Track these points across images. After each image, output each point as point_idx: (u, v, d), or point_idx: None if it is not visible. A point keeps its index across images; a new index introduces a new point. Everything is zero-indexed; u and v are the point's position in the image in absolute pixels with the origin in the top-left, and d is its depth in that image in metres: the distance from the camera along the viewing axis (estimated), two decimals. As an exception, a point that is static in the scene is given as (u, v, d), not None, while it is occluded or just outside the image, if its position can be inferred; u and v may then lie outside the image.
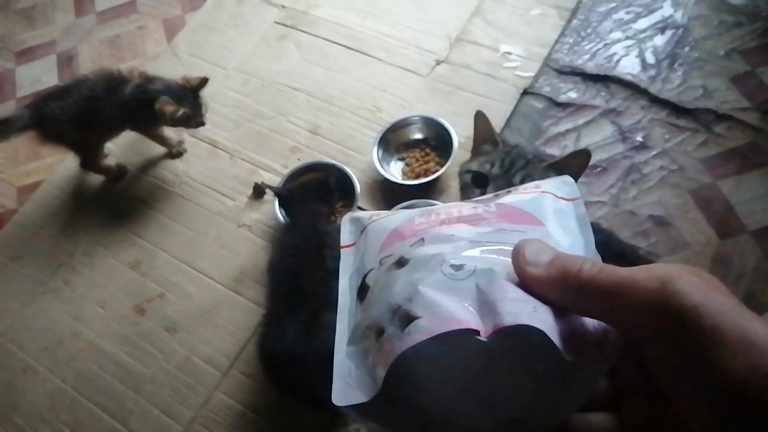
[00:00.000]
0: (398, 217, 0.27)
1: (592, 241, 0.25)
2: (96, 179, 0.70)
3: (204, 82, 0.61)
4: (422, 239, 0.24)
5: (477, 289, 0.21)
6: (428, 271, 0.22)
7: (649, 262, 0.59)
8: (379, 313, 0.23)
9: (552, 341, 0.20)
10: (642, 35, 0.77)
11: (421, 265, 0.23)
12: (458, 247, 0.23)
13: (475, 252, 0.23)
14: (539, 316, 0.20)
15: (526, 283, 0.21)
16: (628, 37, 0.77)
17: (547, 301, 0.21)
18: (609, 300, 0.19)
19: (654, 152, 0.69)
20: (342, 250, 0.29)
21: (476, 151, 0.54)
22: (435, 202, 0.65)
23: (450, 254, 0.23)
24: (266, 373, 0.50)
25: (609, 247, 0.53)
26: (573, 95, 0.72)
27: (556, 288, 0.20)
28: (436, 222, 0.25)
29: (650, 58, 0.75)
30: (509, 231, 0.24)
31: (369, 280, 0.25)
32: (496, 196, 0.27)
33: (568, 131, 0.70)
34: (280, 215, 0.60)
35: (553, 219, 0.26)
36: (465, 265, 0.22)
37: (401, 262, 0.23)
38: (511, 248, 0.22)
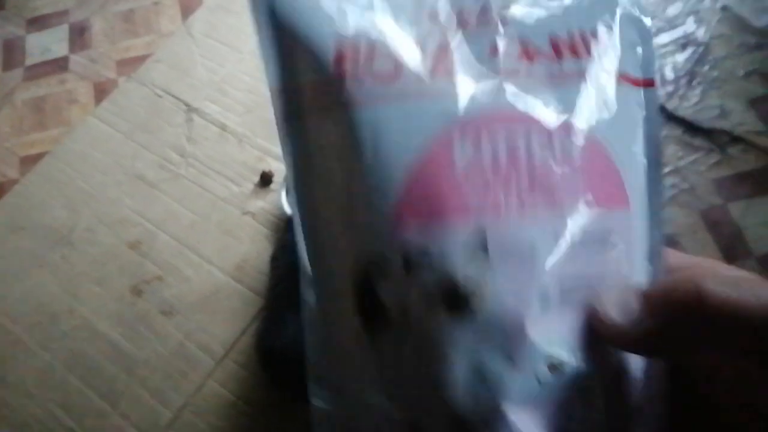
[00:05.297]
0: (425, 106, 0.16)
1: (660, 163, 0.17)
2: (101, 154, 0.69)
3: None
4: (484, 235, 0.15)
5: (578, 412, 0.15)
6: (513, 363, 0.14)
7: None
8: (413, 409, 0.15)
9: None
10: (663, 50, 0.76)
11: (492, 333, 0.14)
12: (543, 292, 0.15)
13: (570, 313, 0.15)
14: None
15: (630, 350, 0.16)
16: (648, 51, 0.76)
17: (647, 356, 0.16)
18: (755, 328, 0.14)
19: (666, 170, 0.69)
20: (289, 125, 0.18)
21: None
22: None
23: (537, 328, 0.15)
24: (263, 369, 0.49)
25: None
26: (589, 106, 0.71)
27: (669, 335, 0.15)
28: (500, 178, 0.15)
29: (669, 74, 0.75)
30: (598, 233, 0.16)
31: (382, 294, 0.15)
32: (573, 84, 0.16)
33: (581, 142, 0.69)
34: (285, 206, 0.60)
35: (635, 168, 0.17)
36: (564, 364, 0.15)
37: (457, 305, 0.14)
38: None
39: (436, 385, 0.15)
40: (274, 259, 0.55)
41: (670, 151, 0.70)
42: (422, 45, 0.16)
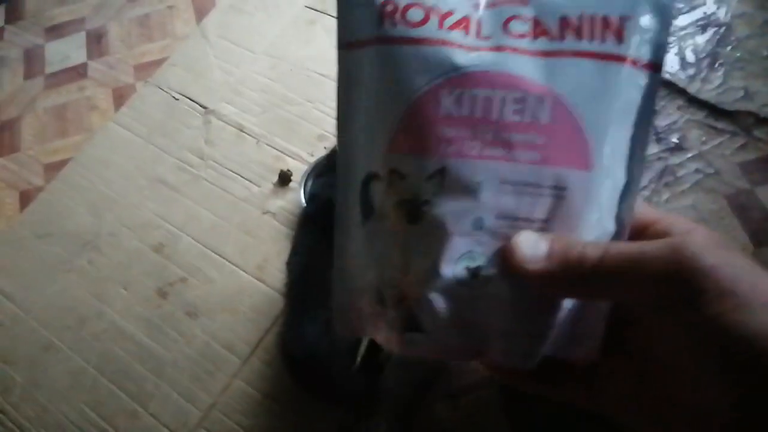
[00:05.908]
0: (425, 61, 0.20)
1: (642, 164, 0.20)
2: (121, 159, 0.70)
3: None
4: (443, 169, 0.19)
5: (486, 310, 0.20)
6: (439, 265, 0.20)
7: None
8: (378, 277, 0.21)
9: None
10: (682, 32, 0.74)
11: (432, 239, 0.20)
12: (478, 219, 0.19)
13: (494, 239, 0.20)
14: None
15: (525, 280, 0.19)
16: (667, 34, 0.74)
17: (547, 294, 0.20)
18: (616, 281, 0.18)
19: (690, 154, 0.67)
20: (342, 52, 0.22)
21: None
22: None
23: (465, 242, 0.19)
24: (288, 374, 0.50)
25: None
26: (608, 92, 0.70)
27: (559, 281, 0.19)
28: (469, 128, 0.19)
29: (690, 57, 0.73)
30: (545, 187, 0.19)
31: (373, 195, 0.21)
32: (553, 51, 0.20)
33: (601, 129, 0.68)
34: (304, 203, 0.60)
35: (612, 138, 0.20)
36: (481, 270, 0.20)
37: (413, 215, 0.20)
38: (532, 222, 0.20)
39: (390, 266, 0.20)
40: (288, 263, 0.55)
41: (694, 135, 0.68)
42: (452, 9, 0.20)
